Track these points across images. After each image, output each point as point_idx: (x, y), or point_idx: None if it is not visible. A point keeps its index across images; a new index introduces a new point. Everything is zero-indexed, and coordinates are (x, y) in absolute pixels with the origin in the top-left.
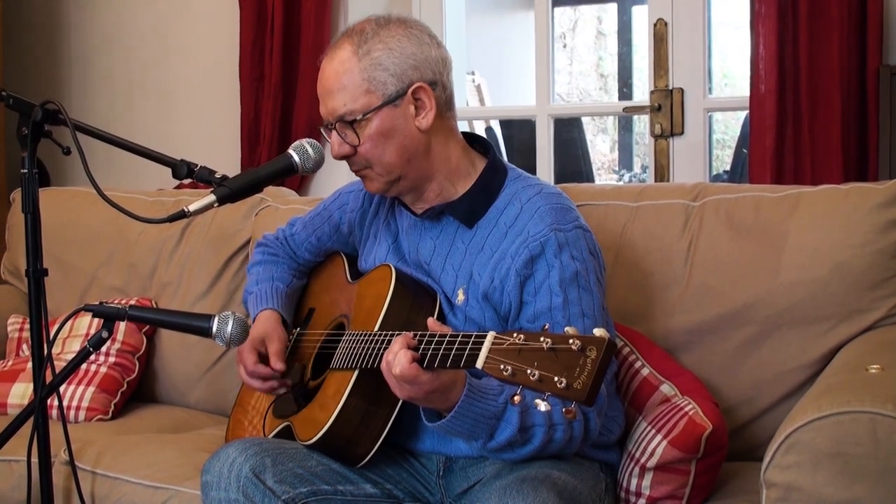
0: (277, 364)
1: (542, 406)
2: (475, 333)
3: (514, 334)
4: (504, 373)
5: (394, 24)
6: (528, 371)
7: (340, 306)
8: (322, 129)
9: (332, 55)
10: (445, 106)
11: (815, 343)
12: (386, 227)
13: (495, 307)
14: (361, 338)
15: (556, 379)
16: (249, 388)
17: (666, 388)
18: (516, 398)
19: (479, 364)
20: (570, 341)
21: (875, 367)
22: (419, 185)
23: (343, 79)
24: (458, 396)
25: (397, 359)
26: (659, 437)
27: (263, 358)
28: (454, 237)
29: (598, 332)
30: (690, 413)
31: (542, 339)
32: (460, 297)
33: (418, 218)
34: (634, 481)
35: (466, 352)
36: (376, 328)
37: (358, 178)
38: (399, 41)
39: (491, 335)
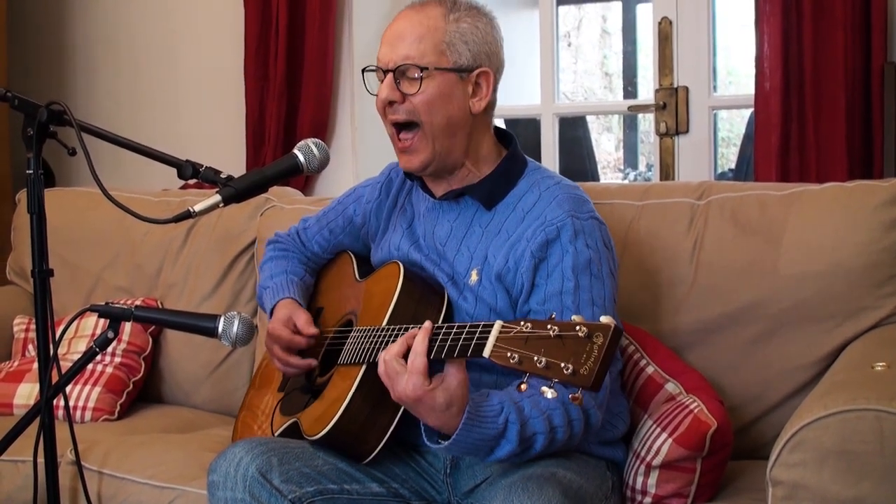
0: (310, 329)
1: (549, 393)
2: (482, 323)
3: (522, 322)
4: (511, 361)
5: (484, 11)
6: (535, 358)
7: (348, 304)
8: (366, 72)
9: (419, 8)
10: (492, 104)
11: (820, 341)
12: (402, 214)
13: (508, 288)
14: (369, 333)
15: (562, 365)
16: (284, 368)
17: (671, 387)
18: (523, 386)
19: (487, 353)
20: (577, 328)
21: (880, 364)
22: (450, 166)
23: (425, 31)
24: (458, 419)
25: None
26: (664, 435)
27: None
28: (472, 220)
29: (604, 319)
30: (695, 411)
31: (549, 326)
32: (473, 277)
33: (436, 201)
34: (640, 479)
35: (473, 341)
36: (384, 324)
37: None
38: (485, 26)
39: (498, 324)
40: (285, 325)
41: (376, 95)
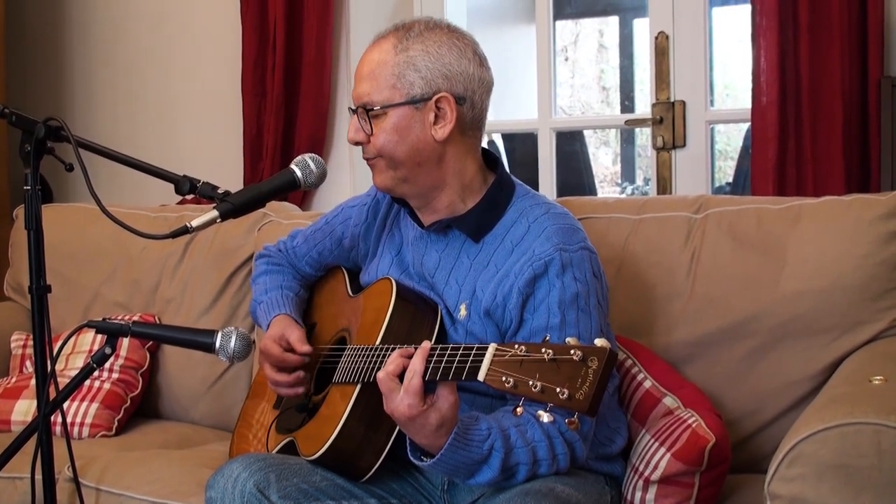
0: (303, 347)
1: (545, 417)
2: (476, 346)
3: (516, 346)
4: (506, 384)
5: (442, 30)
6: (531, 382)
7: (342, 320)
8: (350, 110)
9: (377, 43)
10: (470, 124)
11: (817, 355)
12: (390, 240)
13: (497, 323)
14: (363, 352)
15: (558, 390)
16: (275, 387)
17: (669, 401)
18: (519, 409)
19: (482, 376)
20: (572, 352)
21: (878, 378)
22: (427, 192)
23: (376, 69)
24: (445, 439)
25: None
26: (662, 449)
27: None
28: (460, 252)
29: (598, 342)
30: (693, 425)
31: (543, 350)
32: (462, 312)
33: (424, 230)
34: (639, 494)
35: (468, 364)
36: (377, 342)
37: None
38: (439, 48)
39: (492, 347)
40: (277, 342)
41: None
